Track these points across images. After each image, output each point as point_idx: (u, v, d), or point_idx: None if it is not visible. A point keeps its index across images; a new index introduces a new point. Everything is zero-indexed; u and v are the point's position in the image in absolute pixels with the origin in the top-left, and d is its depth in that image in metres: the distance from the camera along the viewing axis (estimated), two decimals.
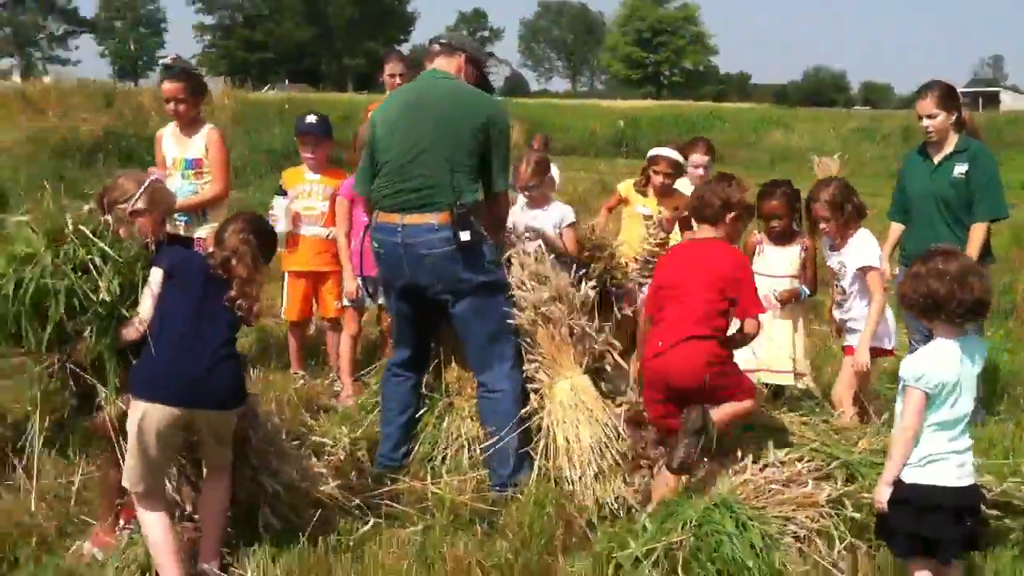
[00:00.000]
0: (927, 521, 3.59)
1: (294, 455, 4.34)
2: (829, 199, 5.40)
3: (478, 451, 4.83)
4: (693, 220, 4.71)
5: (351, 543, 4.08)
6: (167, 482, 4.00)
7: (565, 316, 4.77)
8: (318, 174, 6.61)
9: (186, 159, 6.16)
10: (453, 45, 4.98)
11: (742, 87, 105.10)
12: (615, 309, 5.66)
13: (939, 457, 3.59)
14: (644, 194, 6.71)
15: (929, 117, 6.05)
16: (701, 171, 6.92)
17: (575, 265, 5.22)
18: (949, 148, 6.08)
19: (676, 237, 6.27)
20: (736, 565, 3.79)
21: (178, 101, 6.09)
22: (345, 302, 6.36)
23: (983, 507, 3.96)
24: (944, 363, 3.58)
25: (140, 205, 4.03)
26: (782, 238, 5.72)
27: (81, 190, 4.76)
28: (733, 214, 4.55)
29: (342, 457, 4.71)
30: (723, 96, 76.31)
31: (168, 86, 6.13)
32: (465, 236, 4.56)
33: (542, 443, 4.68)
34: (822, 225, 5.44)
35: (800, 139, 31.50)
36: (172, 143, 6.23)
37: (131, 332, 3.77)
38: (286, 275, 6.70)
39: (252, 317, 3.98)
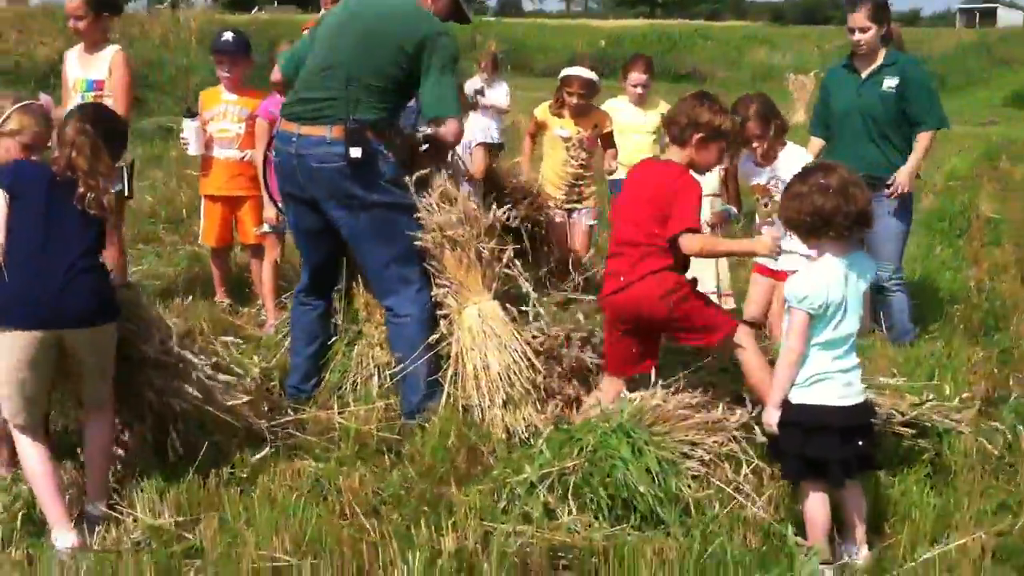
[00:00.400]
0: (814, 442, 3.54)
1: (198, 375, 4.20)
2: (757, 113, 5.24)
3: (388, 379, 4.78)
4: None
5: (244, 475, 4.03)
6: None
7: (473, 239, 4.63)
8: (234, 94, 6.41)
9: (88, 80, 5.90)
10: None
11: (737, 6, 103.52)
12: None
13: (825, 376, 3.54)
14: (560, 115, 6.65)
15: (861, 30, 5.92)
16: (640, 89, 7.00)
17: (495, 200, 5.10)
18: (877, 62, 5.99)
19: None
20: (629, 490, 3.75)
21: (77, 18, 5.83)
22: (265, 228, 6.21)
23: (874, 425, 3.89)
24: (829, 282, 3.50)
25: (11, 126, 3.85)
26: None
27: None
28: (700, 135, 4.25)
29: (250, 387, 4.56)
30: (717, 15, 75.33)
31: (68, 3, 5.88)
32: (355, 153, 4.44)
33: (450, 370, 4.61)
34: (755, 143, 5.30)
35: (783, 58, 31.08)
36: (76, 63, 5.98)
37: None
38: (203, 200, 6.56)
39: (102, 210, 3.71)
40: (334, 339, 5.02)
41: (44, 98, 4.86)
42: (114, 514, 3.72)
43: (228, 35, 6.48)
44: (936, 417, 4.56)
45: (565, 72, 6.62)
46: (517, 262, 4.84)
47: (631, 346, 4.36)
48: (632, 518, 3.74)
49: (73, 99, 5.78)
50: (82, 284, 3.63)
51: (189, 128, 6.27)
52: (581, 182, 6.47)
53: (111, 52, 5.91)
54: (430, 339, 4.67)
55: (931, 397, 4.71)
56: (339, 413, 4.61)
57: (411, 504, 3.82)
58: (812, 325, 3.52)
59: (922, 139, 5.92)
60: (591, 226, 6.72)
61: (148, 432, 4.09)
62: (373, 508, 3.82)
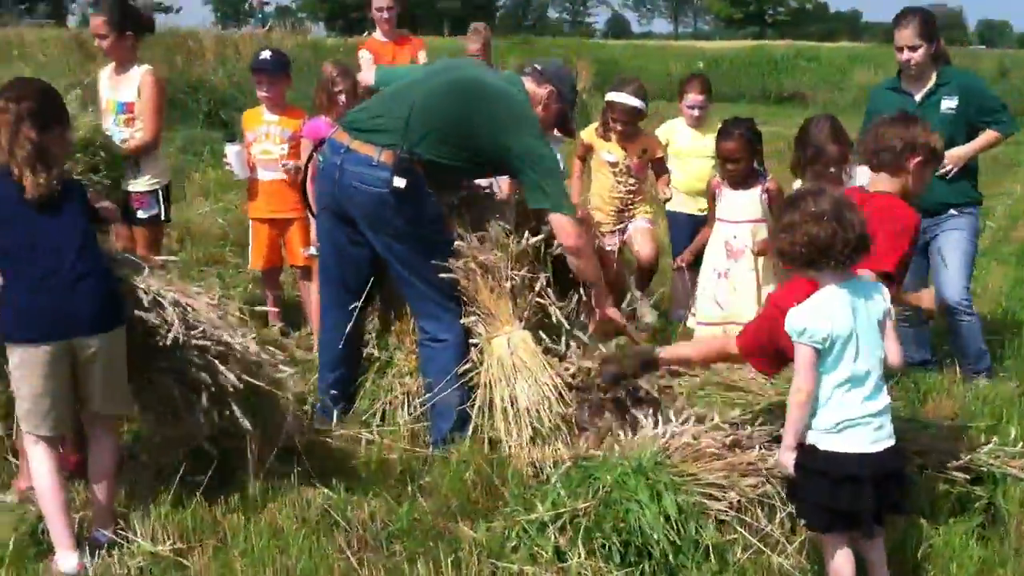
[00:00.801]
0: (844, 492, 3.31)
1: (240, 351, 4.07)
2: (832, 134, 4.95)
3: (417, 407, 4.69)
4: (869, 168, 4.08)
5: (251, 500, 3.98)
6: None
7: (503, 266, 4.53)
8: (275, 114, 6.32)
9: (118, 102, 5.80)
10: (543, 75, 4.76)
11: (853, 26, 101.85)
12: None
13: (855, 422, 3.30)
14: (607, 139, 6.40)
15: (911, 49, 5.52)
16: (697, 111, 6.69)
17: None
18: (931, 82, 5.59)
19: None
20: (643, 536, 3.58)
21: (100, 37, 5.76)
22: (312, 250, 6.02)
23: (907, 468, 3.70)
24: (831, 314, 3.27)
25: None
26: (741, 181, 5.43)
27: None
28: (919, 159, 3.93)
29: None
30: (831, 36, 74.09)
31: (92, 21, 5.87)
32: (399, 182, 4.34)
33: (478, 401, 4.51)
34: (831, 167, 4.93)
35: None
36: (107, 84, 5.93)
37: None
38: (250, 223, 6.53)
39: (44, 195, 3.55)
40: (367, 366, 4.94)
41: None
42: (116, 539, 3.69)
43: (266, 53, 6.46)
44: (994, 462, 4.29)
45: (609, 96, 6.38)
46: (550, 291, 4.71)
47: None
48: (647, 565, 3.56)
49: (107, 120, 5.73)
50: (84, 290, 3.56)
51: (231, 152, 6.24)
52: (630, 208, 6.29)
53: (139, 73, 5.81)
54: (461, 367, 4.56)
55: (992, 441, 4.43)
56: (366, 440, 4.52)
57: (417, 539, 3.71)
58: (821, 361, 3.30)
59: (986, 134, 5.61)
60: (650, 228, 6.48)
61: (201, 413, 3.99)
62: (378, 541, 3.72)
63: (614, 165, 6.26)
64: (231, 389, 3.93)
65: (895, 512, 3.53)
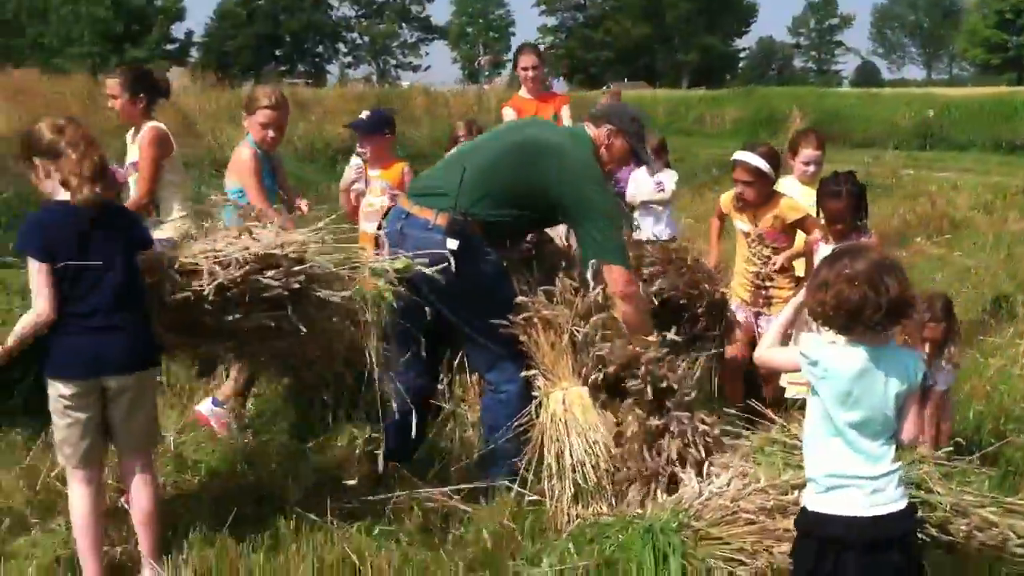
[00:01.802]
0: (829, 557, 3.22)
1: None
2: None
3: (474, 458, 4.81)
4: None
5: (277, 540, 4.16)
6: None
7: (567, 322, 4.56)
8: (376, 168, 6.71)
9: (130, 162, 5.97)
10: (598, 116, 4.91)
11: None
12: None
13: (847, 484, 3.22)
14: (738, 209, 6.00)
15: None
16: (812, 167, 6.28)
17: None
18: None
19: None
20: None
21: (112, 97, 5.99)
22: None
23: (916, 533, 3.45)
24: (840, 368, 3.23)
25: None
26: (844, 238, 5.20)
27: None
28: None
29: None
30: None
31: (108, 83, 6.15)
32: (452, 244, 4.48)
33: (528, 455, 4.55)
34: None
35: None
36: (129, 145, 6.11)
37: (28, 332, 3.78)
38: None
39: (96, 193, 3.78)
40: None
41: (118, 171, 5.28)
42: None
43: (364, 114, 6.87)
44: None
45: (734, 156, 5.95)
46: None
47: None
48: None
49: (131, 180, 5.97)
50: (118, 330, 3.81)
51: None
52: (769, 283, 5.83)
53: (144, 129, 5.87)
54: (519, 419, 4.62)
55: None
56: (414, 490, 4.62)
57: None
58: (812, 392, 3.30)
59: None
60: None
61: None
62: None
63: (747, 235, 5.89)
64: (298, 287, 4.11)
65: None
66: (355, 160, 6.98)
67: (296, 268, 4.13)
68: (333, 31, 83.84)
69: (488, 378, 4.76)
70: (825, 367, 3.24)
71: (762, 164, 5.74)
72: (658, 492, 4.33)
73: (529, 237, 5.00)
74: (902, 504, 3.26)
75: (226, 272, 4.02)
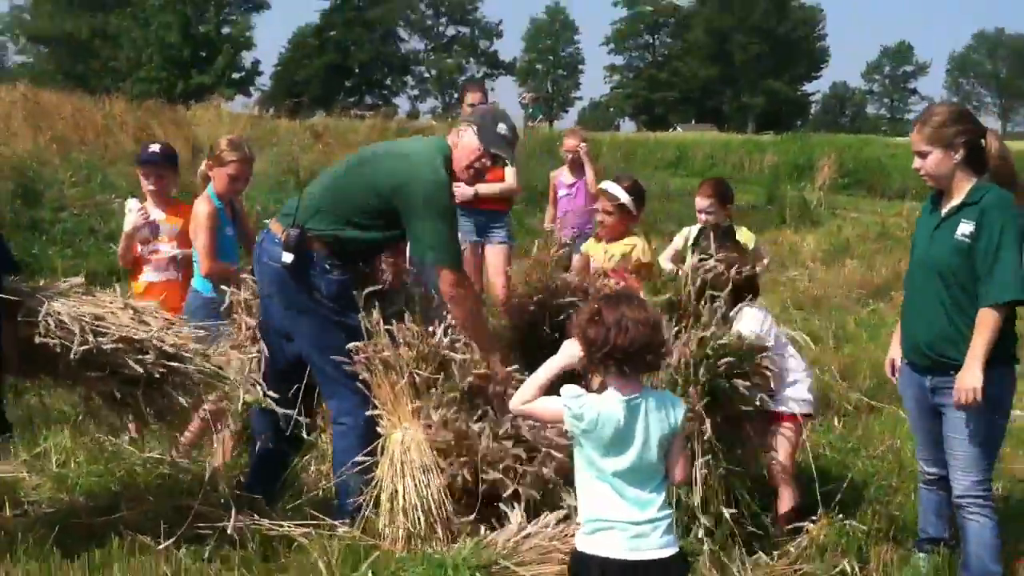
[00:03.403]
0: None
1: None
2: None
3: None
4: None
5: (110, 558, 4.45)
6: None
7: (407, 365, 4.74)
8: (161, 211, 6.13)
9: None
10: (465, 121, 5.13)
11: None
12: None
13: (609, 525, 3.35)
14: (599, 239, 6.20)
15: (920, 156, 4.40)
16: (704, 216, 6.34)
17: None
18: (957, 198, 4.36)
19: None
20: None
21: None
22: None
23: None
24: (601, 414, 3.34)
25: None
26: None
27: None
28: None
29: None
30: None
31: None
32: (286, 258, 4.77)
33: (372, 493, 4.75)
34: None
35: None
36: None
37: None
38: None
39: None
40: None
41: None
42: None
43: (155, 146, 6.39)
44: None
45: (600, 184, 6.20)
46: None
47: None
48: None
49: None
50: None
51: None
52: None
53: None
54: (364, 453, 4.81)
55: None
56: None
57: None
58: (584, 449, 3.40)
59: (982, 319, 4.19)
60: None
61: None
62: None
63: (594, 273, 5.80)
64: (157, 376, 4.50)
65: None
66: (134, 202, 6.12)
67: (163, 361, 4.53)
68: (402, 63, 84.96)
69: (329, 407, 5.02)
70: (587, 419, 3.35)
71: (623, 196, 5.99)
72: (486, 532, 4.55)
73: (385, 268, 5.20)
74: (668, 552, 3.35)
75: (97, 342, 4.39)
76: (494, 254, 7.92)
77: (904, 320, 4.63)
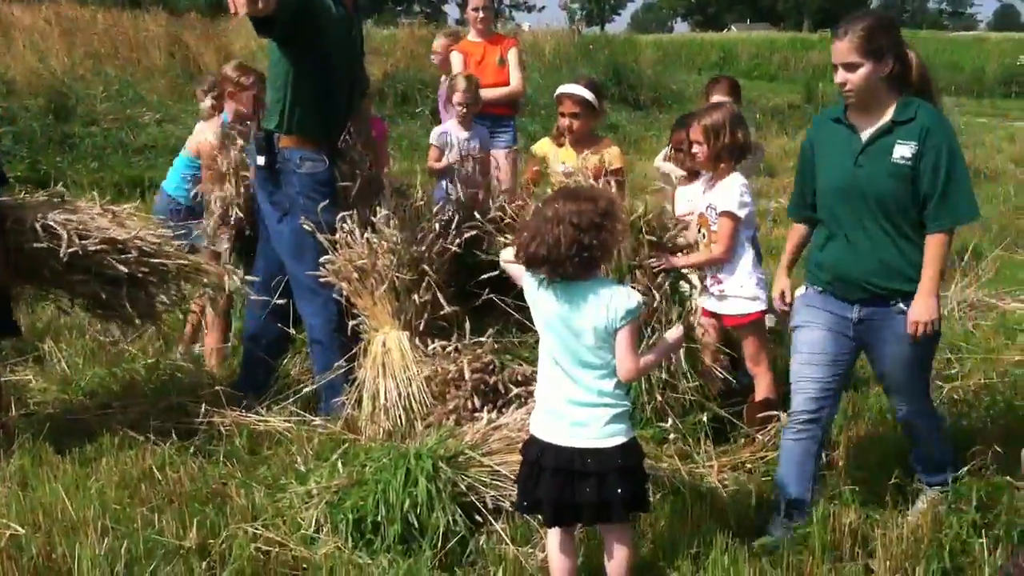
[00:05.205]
0: (526, 475, 3.53)
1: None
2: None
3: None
4: None
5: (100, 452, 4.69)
6: None
7: (390, 270, 4.88)
8: None
9: None
10: None
11: None
12: None
13: (548, 410, 3.47)
14: (560, 144, 6.04)
15: (846, 68, 3.90)
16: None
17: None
18: (884, 118, 3.92)
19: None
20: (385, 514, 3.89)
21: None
22: None
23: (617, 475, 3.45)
24: (539, 298, 3.49)
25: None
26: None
27: None
28: None
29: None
30: None
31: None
32: (260, 160, 4.97)
33: (354, 395, 4.96)
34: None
35: None
36: None
37: None
38: None
39: None
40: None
41: None
42: None
43: None
44: None
45: (559, 90, 6.04)
46: (439, 294, 4.99)
47: None
48: (378, 543, 3.88)
49: None
50: None
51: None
52: None
53: None
54: (346, 357, 5.03)
55: None
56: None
57: (198, 498, 4.26)
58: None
59: (933, 245, 3.89)
60: None
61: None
62: (168, 500, 4.28)
63: (569, 175, 5.42)
64: (140, 275, 4.79)
65: (601, 520, 3.51)
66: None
67: (144, 259, 4.81)
68: None
69: (301, 310, 5.19)
70: (532, 299, 3.52)
71: (587, 94, 5.89)
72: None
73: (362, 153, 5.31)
74: (609, 443, 3.39)
75: (82, 244, 4.66)
76: (500, 159, 7.93)
77: (822, 252, 4.13)
